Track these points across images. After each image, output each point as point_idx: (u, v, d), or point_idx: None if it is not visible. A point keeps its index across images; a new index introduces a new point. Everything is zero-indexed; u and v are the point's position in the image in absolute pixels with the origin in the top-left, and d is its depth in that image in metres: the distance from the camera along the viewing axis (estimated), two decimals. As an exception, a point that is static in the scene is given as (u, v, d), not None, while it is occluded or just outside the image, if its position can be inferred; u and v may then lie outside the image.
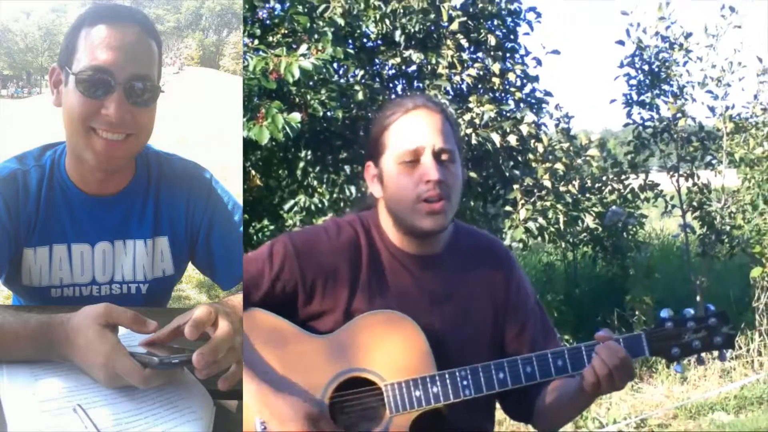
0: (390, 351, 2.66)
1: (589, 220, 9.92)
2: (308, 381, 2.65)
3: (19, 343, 2.36)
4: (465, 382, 2.64)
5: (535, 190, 8.77)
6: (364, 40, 9.10)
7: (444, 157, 2.67)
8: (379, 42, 9.12)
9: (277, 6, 8.08)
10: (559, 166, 8.84)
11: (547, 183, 8.67)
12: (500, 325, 2.87)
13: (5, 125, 40.07)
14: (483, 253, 2.92)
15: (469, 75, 8.73)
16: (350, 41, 8.65)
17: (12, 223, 3.16)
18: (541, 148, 8.97)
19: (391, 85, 9.34)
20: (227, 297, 2.85)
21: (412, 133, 2.68)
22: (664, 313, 2.73)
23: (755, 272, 9.67)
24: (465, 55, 8.93)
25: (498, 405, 2.95)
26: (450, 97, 8.69)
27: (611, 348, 2.60)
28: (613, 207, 10.50)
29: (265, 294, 2.73)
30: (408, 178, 2.66)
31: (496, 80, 8.90)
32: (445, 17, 8.66)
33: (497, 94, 9.11)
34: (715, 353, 2.76)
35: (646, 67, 10.33)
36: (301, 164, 8.54)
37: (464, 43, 8.93)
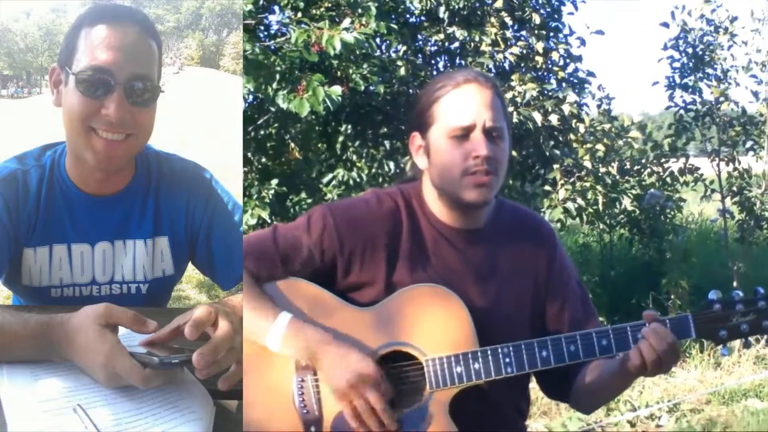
0: (433, 325, 2.66)
1: (627, 203, 9.88)
2: (351, 353, 2.66)
3: (19, 343, 2.36)
4: (507, 359, 2.63)
5: (575, 171, 8.73)
6: (408, 15, 9.07)
7: (494, 133, 2.66)
8: (423, 18, 9.09)
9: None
10: (599, 147, 8.80)
11: (587, 164, 8.64)
12: (541, 303, 2.86)
13: (5, 125, 40.22)
14: (526, 229, 2.91)
15: (512, 53, 8.69)
16: (393, 16, 8.61)
17: (12, 223, 3.16)
18: (582, 129, 8.93)
19: (433, 61, 9.31)
20: (227, 297, 2.85)
21: (463, 107, 2.66)
22: (713, 295, 2.71)
23: (793, 259, 9.62)
24: (509, 33, 8.87)
25: (534, 382, 2.95)
26: (492, 74, 8.63)
27: (659, 332, 2.58)
28: (652, 190, 10.41)
29: (303, 263, 2.74)
30: (457, 151, 2.65)
31: (539, 59, 8.85)
32: (490, -6, 8.62)
33: (540, 73, 9.06)
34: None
35: (690, 50, 10.26)
36: (341, 138, 8.54)
37: (508, 20, 8.88)
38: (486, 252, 2.81)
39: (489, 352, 2.63)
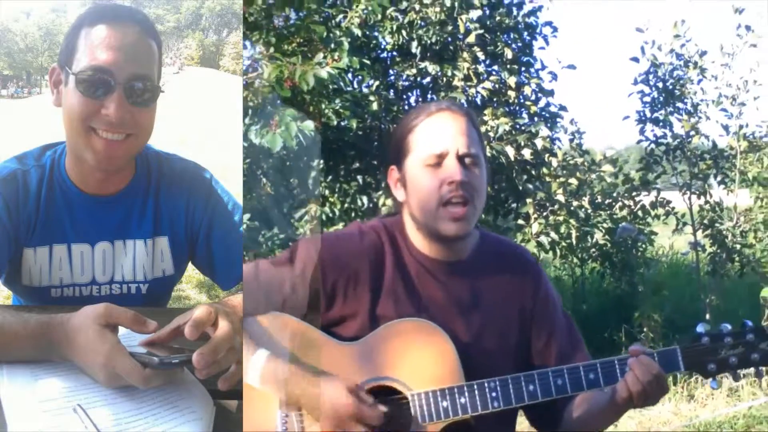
0: (418, 360, 2.62)
1: (599, 236, 9.89)
2: (334, 388, 2.62)
3: (19, 343, 2.35)
4: (494, 394, 2.60)
5: (548, 204, 8.74)
6: (379, 50, 9.09)
7: (468, 161, 2.64)
8: (395, 53, 9.10)
9: (293, 15, 8.06)
10: (572, 180, 8.81)
11: (560, 197, 8.65)
12: (526, 335, 2.83)
13: (5, 125, 40.13)
14: (510, 260, 2.89)
15: (484, 88, 8.71)
16: (365, 51, 8.62)
17: (12, 223, 3.15)
18: (555, 163, 8.95)
19: (405, 96, 9.31)
20: (227, 297, 2.84)
21: (436, 135, 2.65)
22: (701, 328, 2.69)
23: (765, 292, 9.62)
24: (481, 68, 8.90)
25: (522, 414, 2.91)
26: (465, 108, 8.64)
27: (645, 363, 2.56)
28: (623, 223, 10.44)
29: (286, 299, 2.71)
30: (431, 180, 2.63)
31: (511, 93, 8.89)
32: (462, 29, 8.64)
33: (512, 108, 9.09)
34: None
35: (660, 85, 10.31)
36: (313, 173, 8.51)
37: (480, 55, 8.91)
38: (469, 284, 2.77)
39: (475, 387, 2.60)
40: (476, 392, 2.60)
